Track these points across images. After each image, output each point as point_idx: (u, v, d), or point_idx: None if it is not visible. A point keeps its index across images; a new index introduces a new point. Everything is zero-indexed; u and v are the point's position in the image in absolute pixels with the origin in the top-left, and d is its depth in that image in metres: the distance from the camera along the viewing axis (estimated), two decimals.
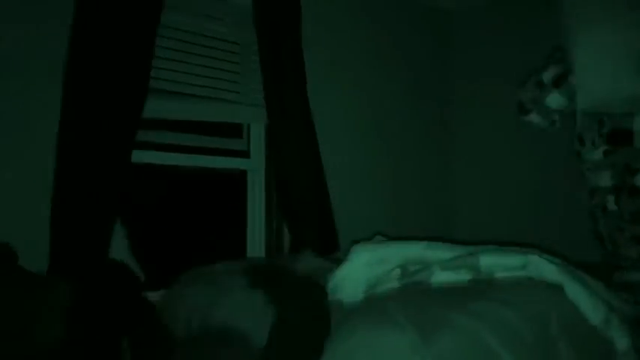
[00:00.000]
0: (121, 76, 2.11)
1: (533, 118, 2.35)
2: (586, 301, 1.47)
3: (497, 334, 1.28)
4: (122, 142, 2.13)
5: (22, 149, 2.07)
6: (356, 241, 1.77)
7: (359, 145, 3.05)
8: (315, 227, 2.59)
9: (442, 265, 1.58)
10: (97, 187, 2.06)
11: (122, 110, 2.11)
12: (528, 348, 1.32)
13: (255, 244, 2.72)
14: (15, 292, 1.64)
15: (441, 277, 1.56)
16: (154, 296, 2.07)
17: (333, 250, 2.58)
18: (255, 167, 2.73)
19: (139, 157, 2.34)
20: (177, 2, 2.37)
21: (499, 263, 1.55)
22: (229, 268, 2.00)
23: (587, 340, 1.47)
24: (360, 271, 1.63)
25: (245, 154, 2.73)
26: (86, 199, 2.03)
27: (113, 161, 2.10)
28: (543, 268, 1.52)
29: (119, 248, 2.12)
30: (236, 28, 2.62)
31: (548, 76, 2.21)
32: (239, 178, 2.75)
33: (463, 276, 1.56)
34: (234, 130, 2.74)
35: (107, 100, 2.08)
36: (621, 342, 1.45)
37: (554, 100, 2.19)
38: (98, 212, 2.05)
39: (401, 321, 1.27)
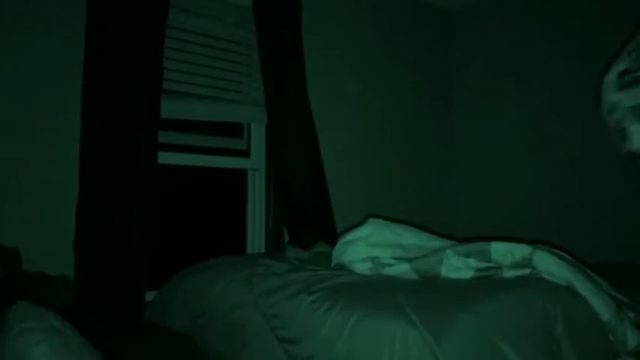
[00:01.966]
0: (135, 77, 2.13)
1: None
2: (595, 296, 1.46)
3: (505, 335, 1.27)
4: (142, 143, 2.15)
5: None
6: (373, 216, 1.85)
7: (359, 141, 3.05)
8: (315, 226, 2.58)
9: (454, 248, 1.59)
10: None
11: (138, 112, 2.13)
12: (535, 348, 1.32)
13: (255, 243, 2.70)
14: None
15: (452, 260, 1.57)
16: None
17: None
18: (255, 166, 2.72)
19: None
20: (177, 2, 2.37)
21: (509, 251, 1.54)
22: (224, 261, 2.05)
23: (592, 341, 1.47)
24: (367, 246, 1.71)
25: (245, 153, 2.72)
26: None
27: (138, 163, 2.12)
28: (551, 262, 1.51)
29: None
30: (237, 28, 2.63)
31: None
32: (239, 178, 2.74)
33: (473, 264, 1.57)
34: (235, 130, 2.73)
35: (123, 103, 2.10)
36: (632, 338, 1.43)
37: None
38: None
39: (414, 318, 1.27)
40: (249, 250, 2.70)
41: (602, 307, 1.45)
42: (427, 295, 1.44)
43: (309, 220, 2.57)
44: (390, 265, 1.70)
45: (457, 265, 1.59)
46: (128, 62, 2.12)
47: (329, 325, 1.39)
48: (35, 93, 2.07)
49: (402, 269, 1.67)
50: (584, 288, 1.47)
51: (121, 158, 2.08)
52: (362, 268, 1.74)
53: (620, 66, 1.58)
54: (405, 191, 3.22)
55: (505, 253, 1.56)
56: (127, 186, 2.08)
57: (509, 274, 1.58)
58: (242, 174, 2.74)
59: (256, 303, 1.62)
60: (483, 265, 1.58)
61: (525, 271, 1.56)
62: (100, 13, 2.09)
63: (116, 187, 2.07)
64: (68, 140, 2.08)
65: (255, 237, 2.71)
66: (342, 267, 1.81)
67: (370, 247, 1.75)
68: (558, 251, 1.59)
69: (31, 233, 2.01)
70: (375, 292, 1.51)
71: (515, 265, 1.56)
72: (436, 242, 1.74)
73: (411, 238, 1.77)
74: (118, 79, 2.10)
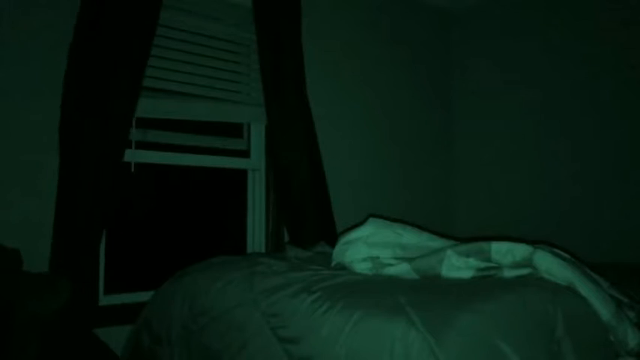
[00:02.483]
0: (116, 74, 2.11)
1: None
2: (595, 296, 1.45)
3: (505, 335, 1.27)
4: (115, 141, 2.12)
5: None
6: (374, 215, 1.84)
7: (359, 141, 3.07)
8: (315, 226, 2.58)
9: (454, 248, 1.59)
10: (92, 187, 2.06)
11: (116, 109, 2.12)
12: (535, 348, 1.32)
13: (255, 243, 2.70)
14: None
15: (452, 260, 1.57)
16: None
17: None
18: (255, 167, 2.72)
19: (139, 156, 2.33)
20: (177, 2, 2.37)
21: (509, 250, 1.54)
22: (224, 260, 2.05)
23: (592, 341, 1.46)
24: (367, 245, 1.71)
25: (245, 153, 2.72)
26: (81, 200, 2.04)
27: (107, 161, 2.10)
28: (552, 262, 1.51)
29: None
30: (236, 28, 2.64)
31: None
32: (239, 178, 2.74)
33: (473, 264, 1.56)
34: (235, 130, 2.73)
35: (101, 99, 2.08)
36: (632, 338, 1.43)
37: None
38: (89, 214, 2.06)
39: (414, 318, 1.26)
40: (249, 250, 2.70)
41: (603, 307, 1.45)
42: (427, 294, 1.43)
43: (309, 220, 2.57)
44: (391, 264, 1.70)
45: (457, 265, 1.58)
46: (110, 58, 2.10)
47: (329, 325, 1.39)
48: (32, 94, 2.08)
49: (402, 269, 1.66)
50: (584, 288, 1.47)
51: (83, 156, 2.07)
52: (362, 268, 1.74)
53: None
54: (404, 191, 3.22)
55: (505, 252, 1.56)
56: (86, 185, 2.07)
57: (509, 273, 1.57)
58: (242, 174, 2.74)
59: (256, 302, 1.61)
60: (484, 264, 1.57)
61: (525, 271, 1.56)
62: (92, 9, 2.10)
63: (78, 186, 2.06)
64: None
65: (255, 237, 2.71)
66: (342, 267, 1.81)
67: (370, 246, 1.75)
68: (559, 251, 1.59)
69: (29, 233, 2.02)
70: (375, 292, 1.50)
71: (516, 265, 1.56)
72: (436, 242, 1.74)
73: (412, 237, 1.77)
74: (98, 76, 2.08)
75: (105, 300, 2.27)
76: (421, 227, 1.89)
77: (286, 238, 2.65)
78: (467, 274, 1.59)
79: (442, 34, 3.52)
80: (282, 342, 1.49)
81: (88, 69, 2.07)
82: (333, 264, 1.86)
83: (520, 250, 1.55)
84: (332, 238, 2.56)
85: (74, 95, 2.05)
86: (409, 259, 1.66)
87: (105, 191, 2.09)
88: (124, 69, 2.13)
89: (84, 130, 2.05)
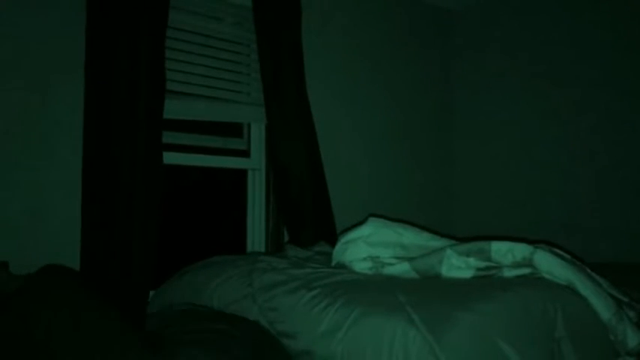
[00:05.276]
0: (135, 77, 2.11)
1: None
2: (595, 295, 1.46)
3: (505, 335, 1.27)
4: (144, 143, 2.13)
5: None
6: (374, 215, 1.84)
7: (359, 141, 3.05)
8: (314, 226, 2.57)
9: (454, 248, 1.60)
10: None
11: (137, 112, 2.12)
12: (535, 348, 1.32)
13: (255, 243, 2.70)
14: None
15: (452, 259, 1.57)
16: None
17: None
18: (255, 166, 2.72)
19: None
20: (177, 2, 2.37)
21: (509, 250, 1.55)
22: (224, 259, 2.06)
23: (592, 341, 1.47)
24: (367, 245, 1.72)
25: (245, 153, 2.72)
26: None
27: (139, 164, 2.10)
28: (552, 262, 1.51)
29: None
30: (236, 28, 2.63)
31: None
32: (239, 177, 2.74)
33: (473, 263, 1.57)
34: (235, 130, 2.73)
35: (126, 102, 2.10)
36: (632, 337, 1.43)
37: None
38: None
39: (414, 317, 1.26)
40: (249, 249, 2.70)
41: (603, 307, 1.45)
42: (427, 294, 1.44)
43: (308, 220, 2.57)
44: (391, 264, 1.70)
45: (457, 265, 1.59)
46: (128, 62, 2.10)
47: (328, 321, 1.39)
48: (39, 93, 2.07)
49: (402, 268, 1.67)
50: (584, 287, 1.47)
51: (121, 159, 2.07)
52: (362, 267, 1.74)
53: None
54: (404, 191, 3.22)
55: (505, 252, 1.56)
56: (127, 188, 2.06)
57: (509, 273, 1.58)
58: (242, 174, 2.74)
59: (254, 297, 1.62)
60: (484, 264, 1.58)
61: (526, 271, 1.56)
62: (100, 12, 2.09)
63: (117, 189, 2.05)
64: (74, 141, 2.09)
65: (255, 237, 2.70)
66: (342, 266, 1.81)
67: (370, 246, 1.75)
68: (559, 251, 1.59)
69: (35, 233, 2.01)
70: (375, 291, 1.51)
71: (516, 265, 1.57)
72: (436, 242, 1.74)
73: (412, 237, 1.77)
74: (119, 79, 2.08)
75: None
76: (421, 227, 1.89)
77: (286, 238, 2.64)
78: (467, 273, 1.59)
79: (443, 32, 3.51)
80: (279, 336, 1.49)
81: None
82: (333, 263, 1.86)
83: (520, 250, 1.55)
84: (332, 238, 2.56)
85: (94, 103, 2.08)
86: (409, 259, 1.67)
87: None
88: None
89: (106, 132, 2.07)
